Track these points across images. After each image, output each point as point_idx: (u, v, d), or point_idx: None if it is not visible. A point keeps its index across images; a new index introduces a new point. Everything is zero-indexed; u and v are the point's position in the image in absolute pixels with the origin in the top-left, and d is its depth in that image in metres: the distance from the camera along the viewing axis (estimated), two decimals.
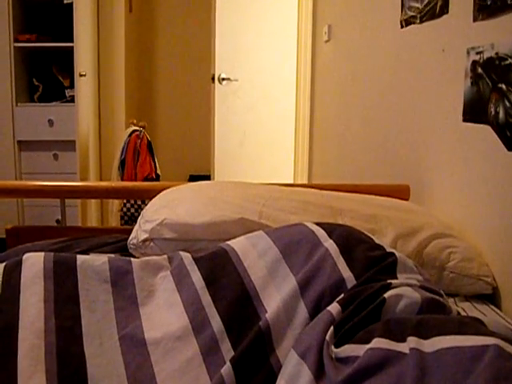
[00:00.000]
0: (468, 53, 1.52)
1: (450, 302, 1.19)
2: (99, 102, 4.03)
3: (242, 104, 4.05)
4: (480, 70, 1.46)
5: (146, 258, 1.25)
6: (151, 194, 1.65)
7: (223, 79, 3.95)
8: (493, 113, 1.39)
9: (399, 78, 2.11)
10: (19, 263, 1.14)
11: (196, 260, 1.17)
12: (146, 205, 1.56)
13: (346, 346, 0.87)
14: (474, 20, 1.49)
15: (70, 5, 3.34)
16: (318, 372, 0.84)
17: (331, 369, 0.83)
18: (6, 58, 3.35)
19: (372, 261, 1.06)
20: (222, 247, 1.21)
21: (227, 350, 0.97)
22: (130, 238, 1.44)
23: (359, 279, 1.02)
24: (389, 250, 1.12)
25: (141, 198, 2.93)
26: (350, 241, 1.13)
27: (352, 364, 0.81)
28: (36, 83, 3.57)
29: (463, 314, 1.20)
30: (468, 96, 1.53)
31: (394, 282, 0.99)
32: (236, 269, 1.12)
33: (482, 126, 1.45)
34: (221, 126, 3.99)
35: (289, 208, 1.45)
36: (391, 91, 2.20)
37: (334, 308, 0.94)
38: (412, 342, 0.81)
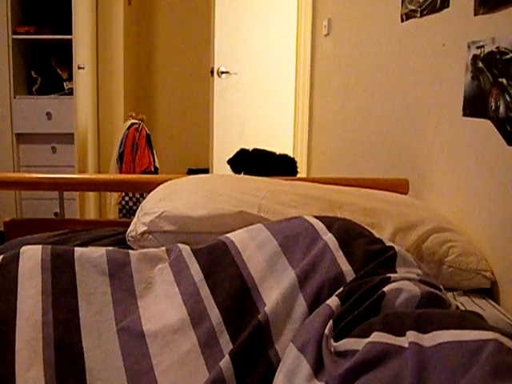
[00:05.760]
0: (469, 47, 1.51)
1: (449, 296, 1.19)
2: (98, 94, 4.01)
3: (241, 97, 4.04)
4: (481, 65, 1.45)
5: (145, 250, 1.24)
6: (150, 187, 1.64)
7: (222, 72, 3.94)
8: (493, 107, 1.39)
9: (399, 72, 2.11)
10: (17, 256, 1.13)
11: (195, 252, 1.17)
12: (145, 198, 1.55)
13: (345, 340, 0.86)
14: (475, 14, 1.48)
15: None
16: (317, 365, 0.84)
17: (330, 362, 0.83)
18: (4, 50, 3.33)
19: (371, 254, 1.06)
20: (220, 240, 1.21)
21: (226, 343, 0.97)
22: (129, 230, 1.44)
23: (358, 273, 1.01)
24: (388, 243, 1.12)
25: (139, 191, 2.92)
26: (350, 234, 1.12)
27: (351, 358, 0.81)
28: (34, 76, 3.55)
29: (462, 308, 1.20)
30: (468, 90, 1.52)
31: (393, 275, 0.99)
32: (235, 261, 1.12)
33: (482, 120, 1.44)
34: (220, 120, 3.98)
35: (288, 201, 1.45)
36: (391, 85, 2.20)
37: (333, 302, 0.94)
38: (411, 336, 0.81)
